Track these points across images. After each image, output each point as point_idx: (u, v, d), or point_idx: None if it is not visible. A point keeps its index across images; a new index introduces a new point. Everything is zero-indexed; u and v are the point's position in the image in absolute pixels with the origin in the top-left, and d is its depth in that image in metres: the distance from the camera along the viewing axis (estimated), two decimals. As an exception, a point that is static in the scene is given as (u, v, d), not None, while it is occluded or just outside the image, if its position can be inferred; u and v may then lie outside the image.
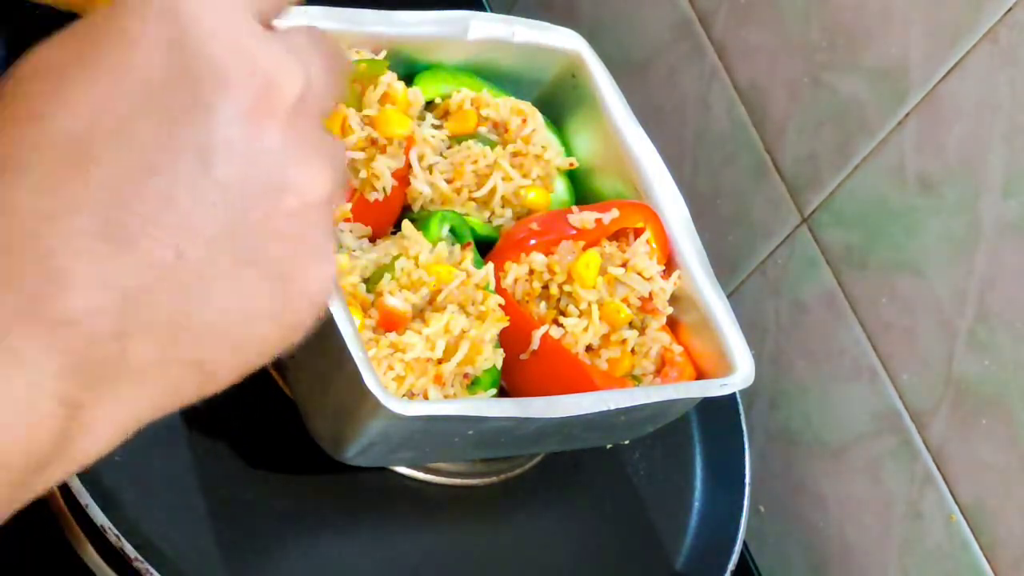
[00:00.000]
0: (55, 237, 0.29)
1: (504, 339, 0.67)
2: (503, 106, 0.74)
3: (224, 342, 0.32)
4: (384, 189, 0.69)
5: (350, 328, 0.59)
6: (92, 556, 0.65)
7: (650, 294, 0.70)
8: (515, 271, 0.69)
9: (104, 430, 0.31)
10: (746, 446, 0.82)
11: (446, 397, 0.64)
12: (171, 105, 0.30)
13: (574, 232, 0.70)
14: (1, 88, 0.31)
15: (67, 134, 0.30)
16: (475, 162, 0.72)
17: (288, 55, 0.32)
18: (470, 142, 0.73)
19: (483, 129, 0.74)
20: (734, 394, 0.81)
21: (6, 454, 0.29)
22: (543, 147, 0.74)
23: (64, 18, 0.96)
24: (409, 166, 0.71)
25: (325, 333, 0.60)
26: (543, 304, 0.70)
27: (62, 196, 0.29)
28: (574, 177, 0.78)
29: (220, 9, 0.31)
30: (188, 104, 0.30)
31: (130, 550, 0.61)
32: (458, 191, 0.72)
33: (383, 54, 0.72)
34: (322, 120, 0.33)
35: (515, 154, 0.74)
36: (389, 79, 0.71)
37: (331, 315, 0.59)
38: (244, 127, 0.31)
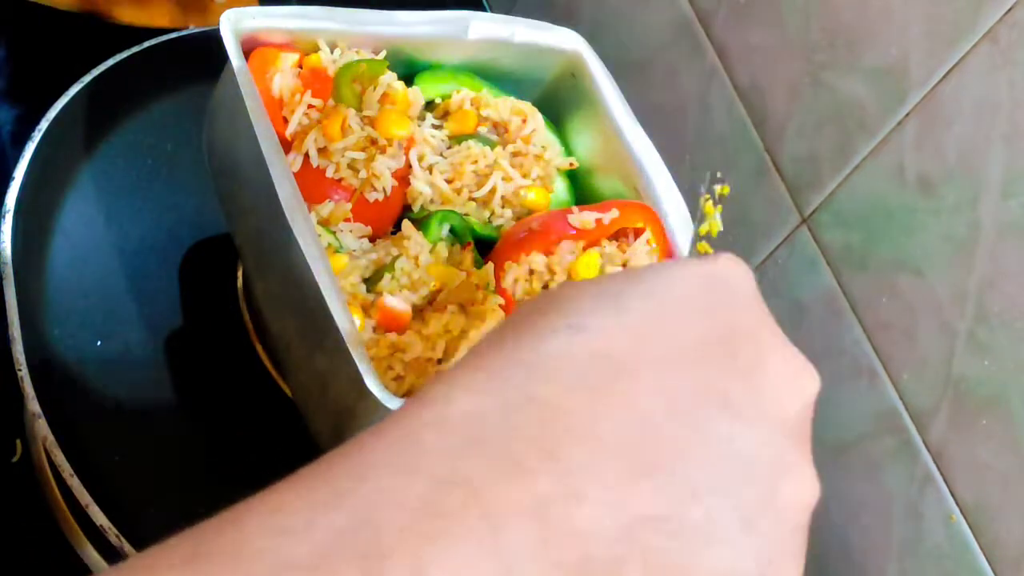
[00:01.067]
0: (576, 450, 0.29)
1: (504, 339, 0.67)
2: (503, 106, 0.74)
3: None
4: (384, 189, 0.69)
5: (350, 328, 0.59)
6: (92, 556, 0.65)
7: (650, 294, 0.70)
8: (515, 271, 0.69)
9: None
10: (746, 446, 0.82)
11: (446, 397, 0.64)
12: (709, 359, 0.32)
13: (574, 232, 0.70)
14: (542, 297, 0.33)
15: (606, 349, 0.31)
16: (475, 162, 0.72)
17: (807, 360, 0.35)
18: (470, 142, 0.73)
19: (483, 129, 0.74)
20: (734, 394, 0.81)
21: None
22: (543, 147, 0.74)
23: (65, 17, 0.97)
24: (409, 166, 0.71)
25: (325, 333, 0.60)
26: (543, 304, 0.70)
27: (585, 405, 0.30)
28: (574, 177, 0.77)
29: (752, 299, 0.35)
30: (725, 362, 0.32)
31: (130, 550, 0.61)
32: (458, 191, 0.72)
33: (383, 54, 0.72)
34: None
35: (515, 154, 0.74)
36: (389, 79, 0.71)
37: (331, 315, 0.59)
38: (772, 395, 0.32)
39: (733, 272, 0.36)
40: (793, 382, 0.34)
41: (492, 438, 0.29)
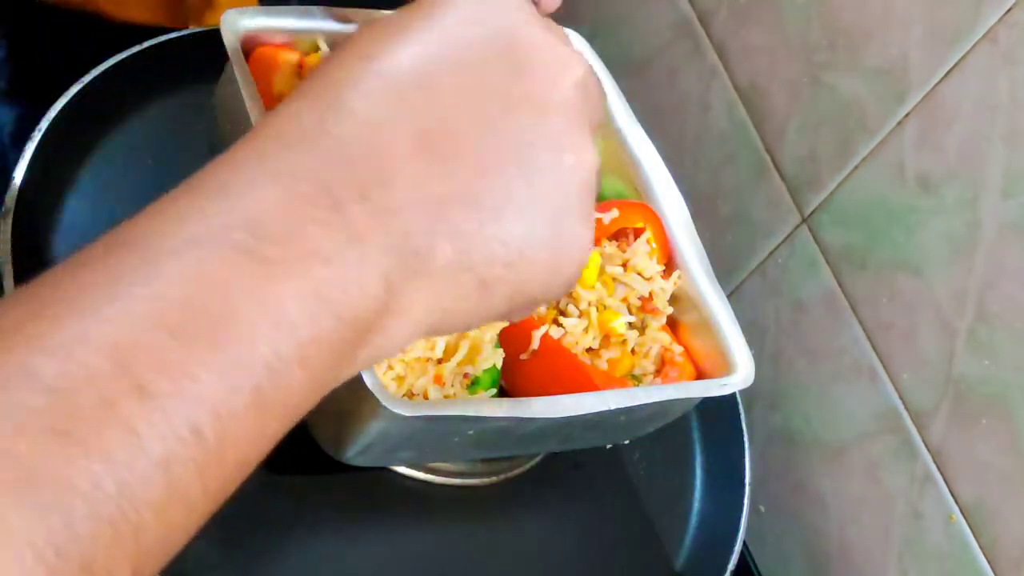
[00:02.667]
0: (381, 142, 0.35)
1: (504, 339, 0.67)
2: (503, 106, 0.74)
3: (504, 258, 0.37)
4: (384, 189, 0.69)
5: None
6: (92, 556, 0.65)
7: (650, 294, 0.70)
8: (515, 271, 0.69)
9: (406, 322, 0.36)
10: (746, 446, 0.82)
11: (446, 397, 0.64)
12: (487, 63, 0.38)
13: (574, 232, 0.70)
14: (347, 40, 0.39)
15: (392, 72, 0.37)
16: (475, 162, 0.72)
17: (569, 45, 0.41)
18: (470, 142, 0.72)
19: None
20: (734, 394, 0.81)
21: (342, 307, 0.34)
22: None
23: (65, 17, 0.96)
24: (409, 166, 0.71)
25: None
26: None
27: (388, 111, 0.36)
28: (574, 177, 0.77)
29: (516, 4, 0.40)
30: (498, 63, 0.38)
31: (130, 550, 0.61)
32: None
33: (383, 54, 0.72)
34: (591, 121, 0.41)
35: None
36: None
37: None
38: (542, 85, 0.39)
39: None
40: (562, 71, 0.40)
41: (317, 167, 0.35)
